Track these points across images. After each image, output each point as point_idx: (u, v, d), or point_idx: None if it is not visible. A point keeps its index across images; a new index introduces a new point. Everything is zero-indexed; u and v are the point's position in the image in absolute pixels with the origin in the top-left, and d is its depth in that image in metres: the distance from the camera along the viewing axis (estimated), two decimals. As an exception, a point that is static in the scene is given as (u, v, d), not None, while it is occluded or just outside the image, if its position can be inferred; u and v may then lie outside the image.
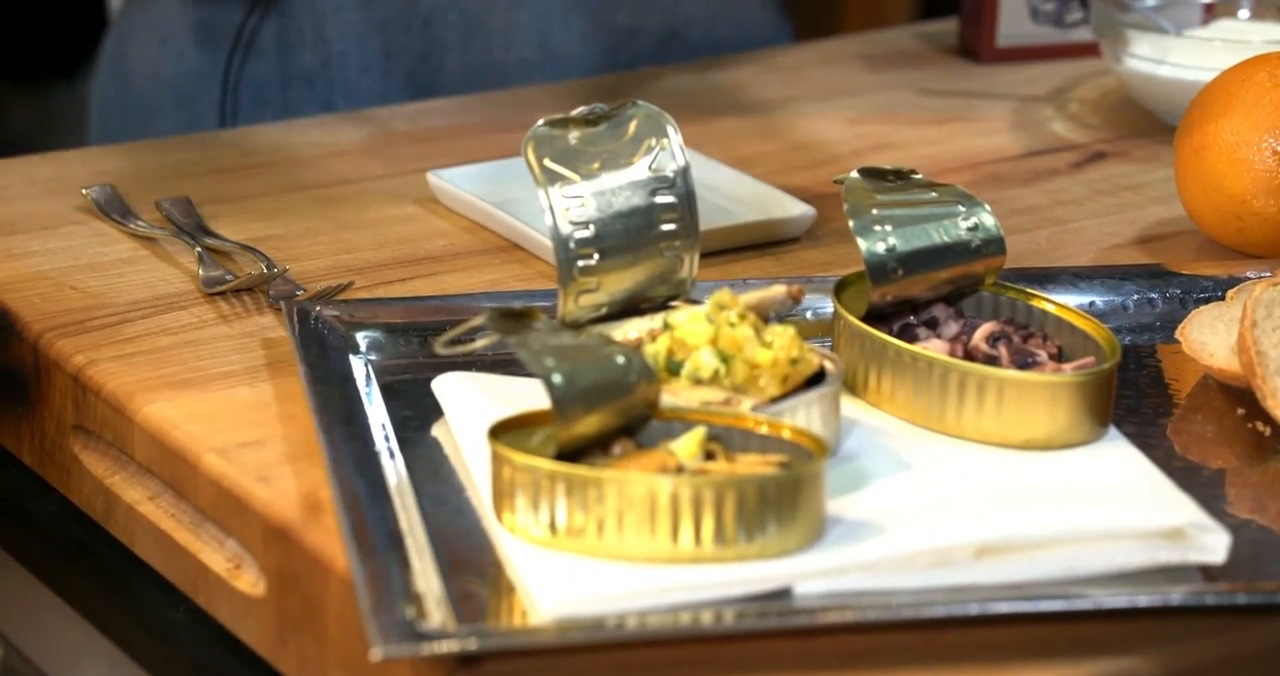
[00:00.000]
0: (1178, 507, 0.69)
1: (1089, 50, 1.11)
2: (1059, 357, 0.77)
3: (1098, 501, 0.70)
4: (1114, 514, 0.69)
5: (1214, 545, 0.68)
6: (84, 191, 0.93)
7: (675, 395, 0.72)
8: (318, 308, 0.81)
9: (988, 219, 0.78)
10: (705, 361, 0.72)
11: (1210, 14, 1.09)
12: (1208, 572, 0.68)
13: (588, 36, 1.11)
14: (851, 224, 0.77)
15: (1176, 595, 0.66)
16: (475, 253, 0.90)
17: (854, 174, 0.79)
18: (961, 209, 0.78)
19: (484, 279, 0.88)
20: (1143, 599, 0.66)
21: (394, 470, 0.73)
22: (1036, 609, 0.65)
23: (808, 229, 0.92)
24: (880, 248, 0.77)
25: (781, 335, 0.72)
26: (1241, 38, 1.04)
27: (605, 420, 0.70)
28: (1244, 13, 1.08)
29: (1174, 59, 1.02)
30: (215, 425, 0.75)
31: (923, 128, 1.04)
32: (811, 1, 1.99)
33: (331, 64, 1.08)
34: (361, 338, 0.81)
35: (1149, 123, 1.04)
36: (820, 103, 1.07)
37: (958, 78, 1.11)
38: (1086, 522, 0.68)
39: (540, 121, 0.78)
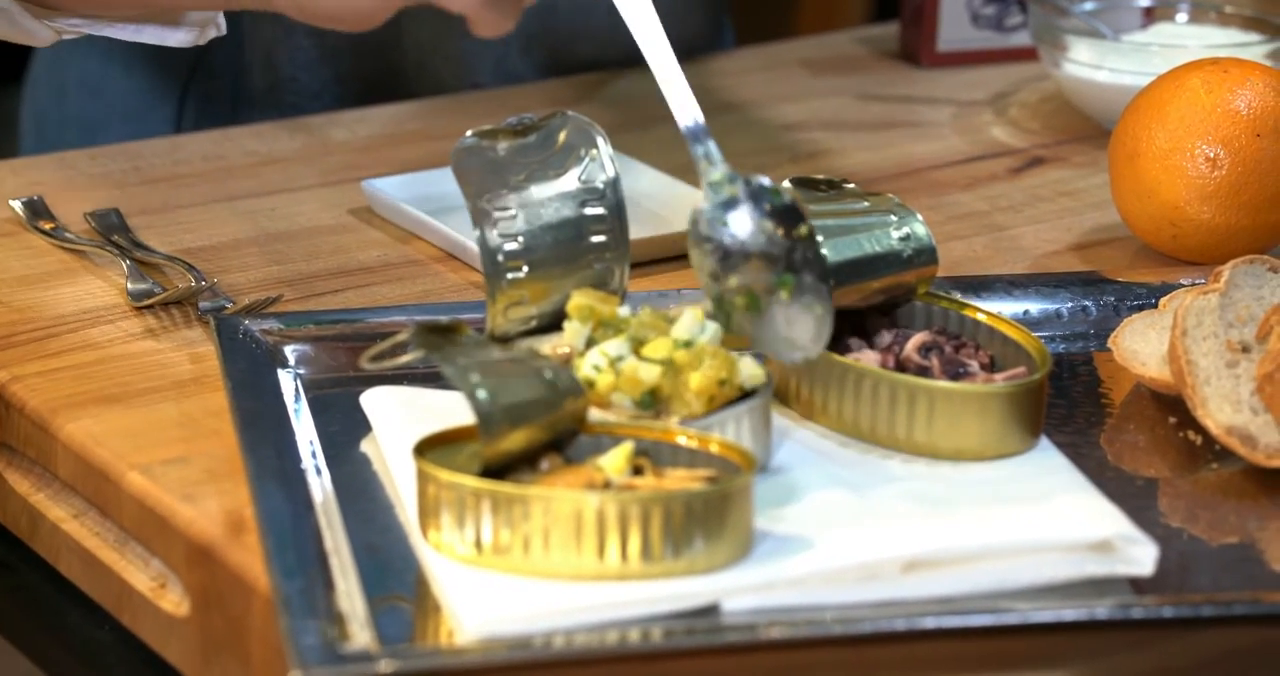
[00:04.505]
0: (1106, 520, 0.69)
1: (1029, 54, 1.10)
2: (991, 368, 0.76)
3: (1027, 514, 0.70)
4: (1042, 527, 0.68)
5: (1141, 557, 0.68)
6: (12, 203, 0.92)
7: (605, 408, 0.72)
8: (245, 322, 0.81)
9: (919, 228, 0.78)
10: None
11: (1149, 18, 1.09)
12: (1136, 584, 0.68)
13: (548, 67, 1.10)
14: (782, 234, 0.77)
15: (1103, 609, 0.66)
16: (409, 263, 0.89)
17: (786, 184, 0.79)
18: (894, 218, 0.78)
19: (417, 289, 0.87)
20: (1070, 613, 0.66)
21: (320, 487, 0.72)
22: (964, 624, 0.65)
23: (744, 237, 0.92)
24: (812, 258, 0.76)
25: (713, 356, 0.71)
26: (1179, 42, 1.04)
27: (532, 435, 0.69)
28: (1182, 17, 1.08)
29: (1112, 64, 1.02)
30: (139, 442, 0.75)
31: (862, 133, 1.04)
32: (764, 6, 1.99)
33: (280, 88, 1.07)
34: (290, 351, 0.80)
35: (1088, 127, 1.04)
36: (761, 108, 1.07)
37: (898, 82, 1.10)
38: (1014, 536, 0.68)
39: (468, 133, 0.78)
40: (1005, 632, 0.65)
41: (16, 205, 0.92)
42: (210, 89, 1.08)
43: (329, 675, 0.62)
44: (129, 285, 0.85)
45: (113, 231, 0.90)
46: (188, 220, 0.93)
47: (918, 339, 0.76)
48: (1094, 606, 0.66)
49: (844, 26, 1.70)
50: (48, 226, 0.91)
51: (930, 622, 0.65)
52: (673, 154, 1.01)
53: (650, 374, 0.71)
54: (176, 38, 0.87)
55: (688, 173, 0.99)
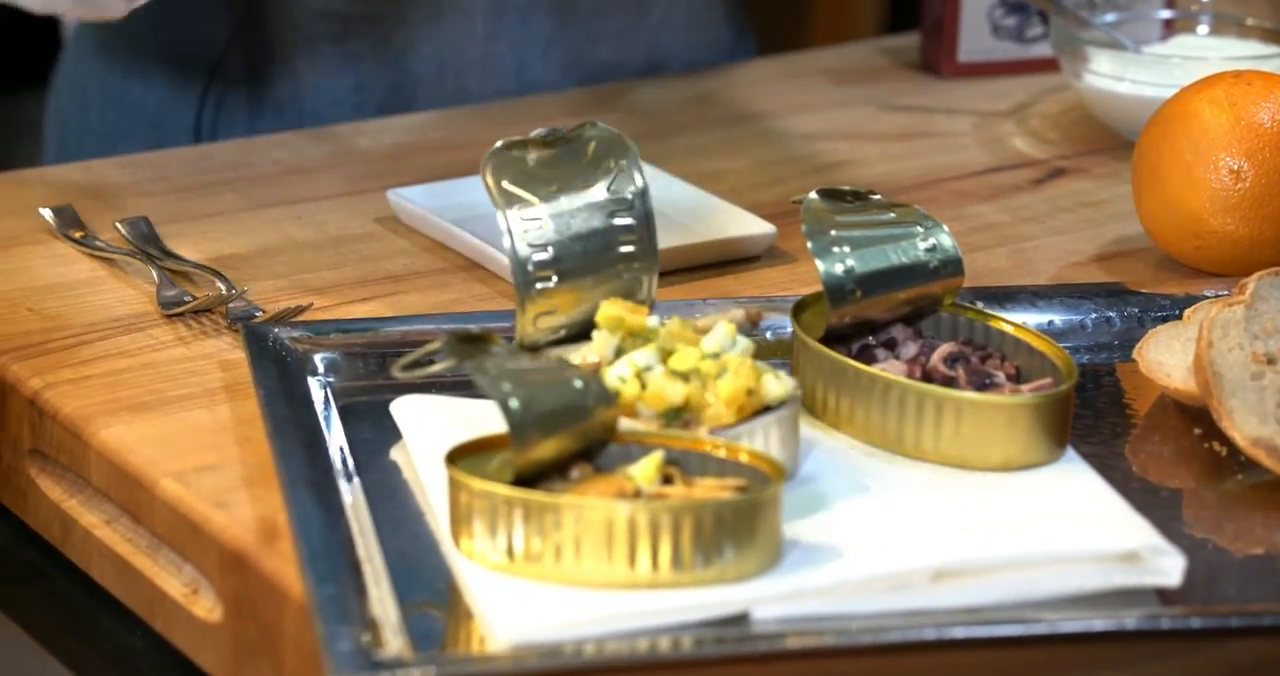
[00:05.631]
0: (1133, 530, 0.69)
1: (1050, 65, 1.11)
2: (1017, 378, 0.77)
3: (1054, 524, 0.70)
4: (1070, 537, 0.69)
5: (1169, 568, 0.68)
6: (42, 211, 0.93)
7: (635, 417, 0.72)
8: (275, 330, 0.81)
9: (945, 240, 0.78)
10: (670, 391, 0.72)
11: (1169, 30, 1.09)
12: (1164, 595, 0.68)
13: (568, 70, 1.11)
14: (810, 246, 0.77)
15: (1131, 620, 0.66)
16: (435, 271, 0.90)
17: (813, 195, 0.80)
18: (920, 230, 0.79)
19: (444, 298, 0.88)
20: (1098, 623, 0.66)
21: (351, 495, 0.72)
22: (992, 634, 0.66)
23: (769, 247, 0.92)
24: (839, 269, 0.77)
25: (739, 366, 0.72)
26: (1200, 54, 1.04)
27: (563, 444, 0.70)
28: (1203, 29, 1.08)
29: (1133, 75, 1.02)
30: (172, 449, 0.75)
31: (884, 143, 1.04)
32: (779, 15, 1.99)
33: (301, 95, 1.08)
34: (320, 360, 0.81)
35: (1109, 138, 1.05)
36: (783, 118, 1.07)
37: (919, 93, 1.11)
38: (1043, 546, 0.68)
39: (498, 143, 0.78)
40: (1033, 642, 0.66)
41: (47, 213, 0.93)
42: (228, 96, 1.09)
43: (364, 682, 0.63)
44: (159, 293, 0.86)
45: (142, 240, 0.91)
46: (216, 229, 0.93)
47: (944, 350, 0.77)
48: (1122, 617, 0.66)
49: (858, 37, 1.71)
50: (78, 235, 0.92)
51: (959, 632, 0.65)
52: (699, 163, 1.02)
53: (676, 393, 0.71)
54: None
55: (712, 182, 0.99)
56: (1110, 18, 1.07)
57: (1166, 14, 1.09)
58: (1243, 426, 0.75)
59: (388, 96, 1.09)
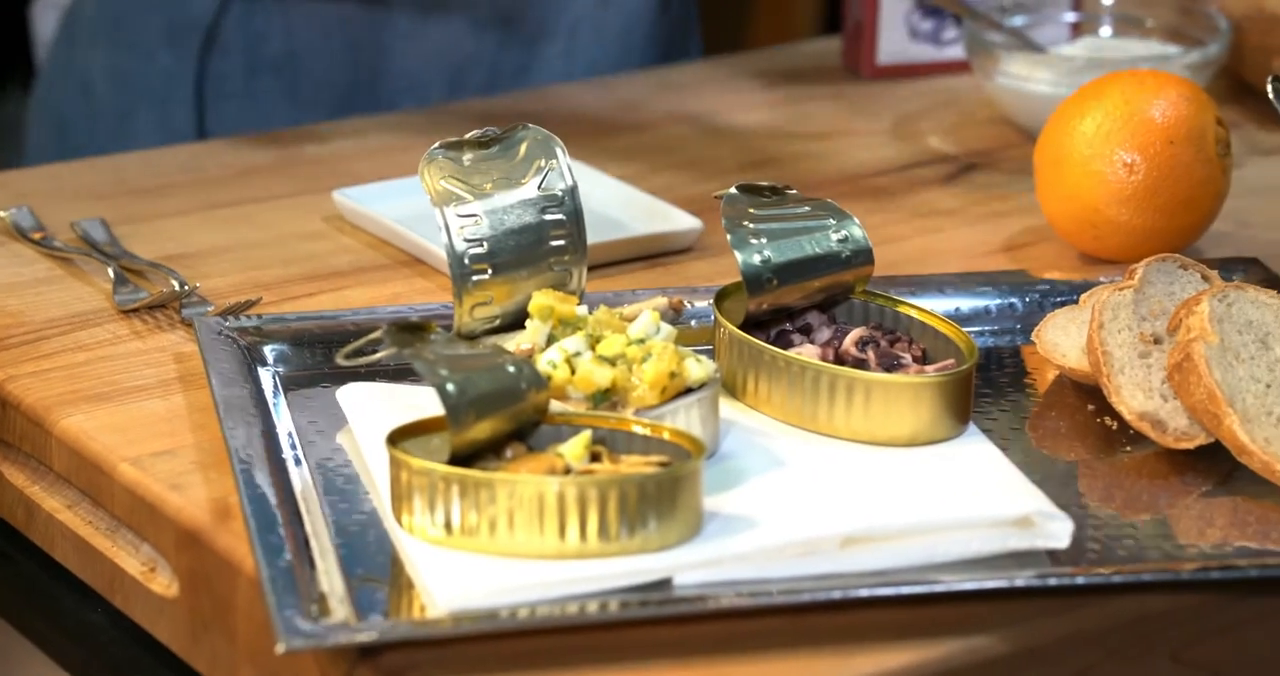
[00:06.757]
0: (1027, 498, 0.74)
1: (964, 67, 1.16)
2: (923, 360, 0.82)
3: (954, 494, 0.75)
4: (968, 505, 0.74)
5: (1059, 531, 0.73)
6: (1, 214, 0.97)
7: (565, 400, 0.77)
8: (226, 323, 0.86)
9: (856, 231, 0.83)
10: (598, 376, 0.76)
11: (1077, 32, 1.15)
12: (1055, 557, 0.73)
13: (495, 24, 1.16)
14: (729, 238, 0.82)
15: (1022, 578, 0.71)
16: (379, 268, 0.94)
17: (732, 190, 0.84)
18: (832, 222, 0.84)
19: (387, 293, 0.92)
20: (991, 582, 0.71)
21: (300, 476, 0.77)
22: (894, 593, 0.70)
23: (696, 241, 0.97)
24: (756, 259, 0.82)
25: (662, 350, 0.76)
26: (1102, 55, 1.10)
27: (497, 425, 0.74)
28: (1106, 31, 1.14)
29: (1040, 75, 1.08)
30: (129, 436, 0.79)
31: (808, 142, 1.09)
32: (720, 19, 2.04)
33: (296, 55, 1.11)
34: (269, 350, 0.85)
35: (1017, 136, 1.10)
36: (712, 118, 1.12)
37: (841, 93, 1.16)
38: (943, 513, 0.73)
39: (436, 144, 0.83)
40: (933, 600, 0.71)
41: (6, 215, 0.97)
42: (225, 62, 1.12)
43: (312, 645, 0.67)
44: (115, 290, 0.90)
45: (98, 240, 0.95)
46: (169, 229, 0.97)
47: (855, 334, 0.82)
48: (1014, 576, 0.71)
49: (797, 38, 1.76)
50: (36, 236, 0.95)
51: (864, 592, 0.70)
52: (626, 163, 1.06)
53: (604, 377, 0.76)
54: None
55: (642, 179, 1.04)
56: (1019, 21, 1.13)
57: (1073, 17, 1.15)
58: (1130, 402, 0.80)
59: (376, 54, 1.13)
